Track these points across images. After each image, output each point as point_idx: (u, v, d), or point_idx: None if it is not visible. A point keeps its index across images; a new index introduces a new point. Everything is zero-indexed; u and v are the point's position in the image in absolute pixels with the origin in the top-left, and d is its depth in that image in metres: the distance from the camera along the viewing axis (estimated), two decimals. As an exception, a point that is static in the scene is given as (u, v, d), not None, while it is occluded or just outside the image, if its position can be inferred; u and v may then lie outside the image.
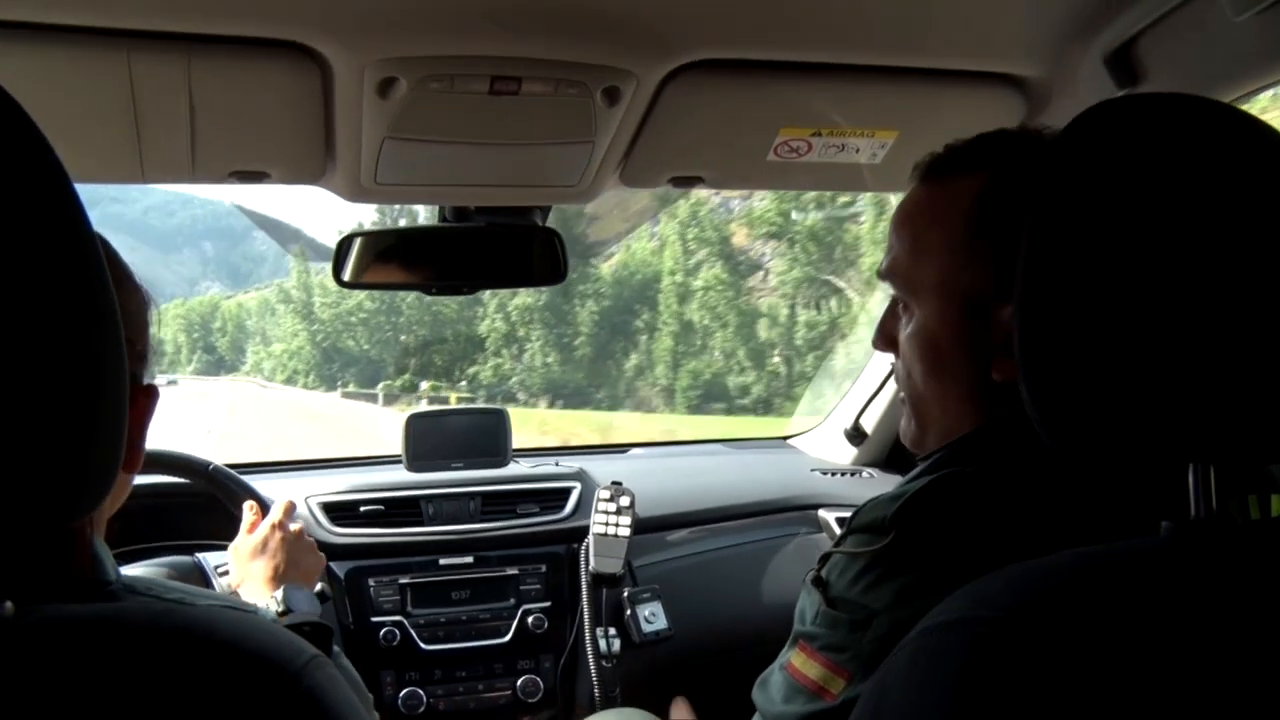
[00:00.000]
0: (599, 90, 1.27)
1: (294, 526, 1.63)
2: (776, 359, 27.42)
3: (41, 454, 0.57)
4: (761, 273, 28.79)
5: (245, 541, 1.61)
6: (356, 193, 1.51)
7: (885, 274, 1.06)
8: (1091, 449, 0.69)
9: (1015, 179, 0.94)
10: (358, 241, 1.67)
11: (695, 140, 1.46)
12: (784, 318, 27.01)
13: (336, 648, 0.95)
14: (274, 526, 1.60)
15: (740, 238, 29.35)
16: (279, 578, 1.54)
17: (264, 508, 1.75)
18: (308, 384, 54.98)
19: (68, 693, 0.56)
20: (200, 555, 1.70)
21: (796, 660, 0.94)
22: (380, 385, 47.44)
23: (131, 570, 1.62)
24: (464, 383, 45.86)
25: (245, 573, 1.56)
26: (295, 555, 1.59)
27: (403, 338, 51.33)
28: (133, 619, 0.63)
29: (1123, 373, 0.65)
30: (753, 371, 27.93)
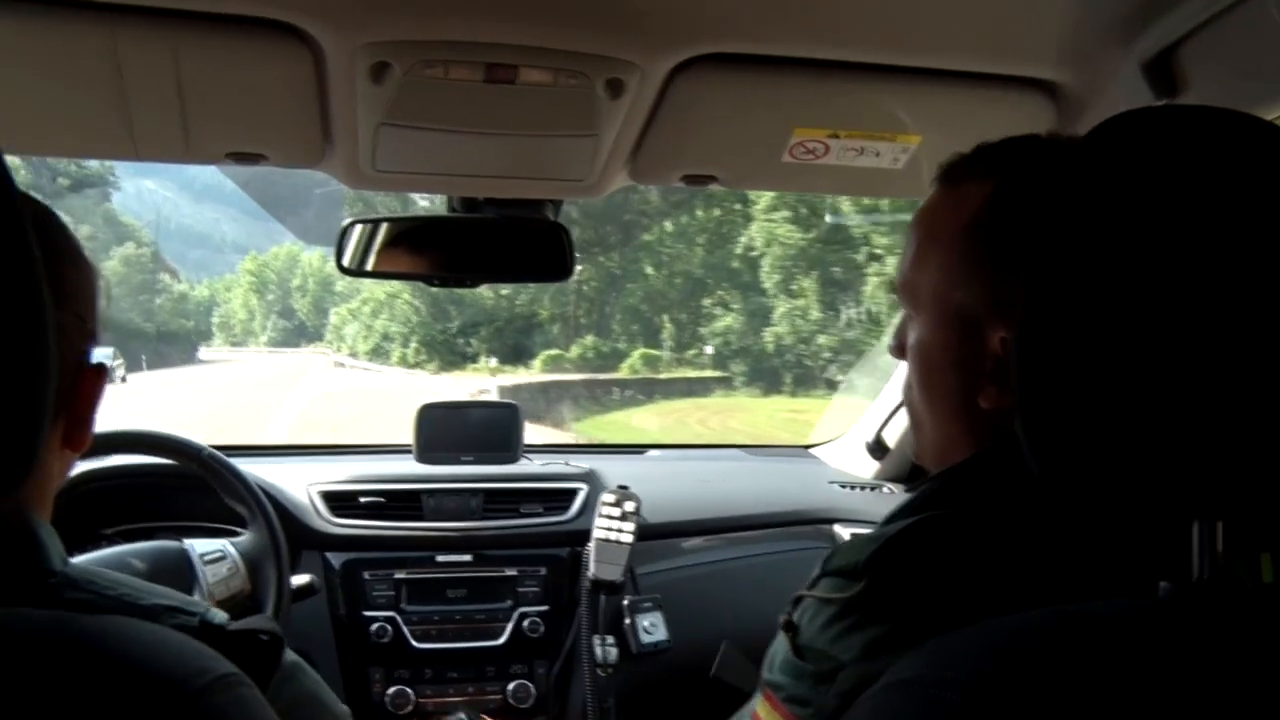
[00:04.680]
0: (601, 81, 1.22)
1: None
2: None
3: None
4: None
5: None
6: (357, 179, 1.48)
7: (897, 284, 1.00)
8: (1086, 495, 0.63)
9: (1024, 190, 0.87)
10: (362, 229, 1.65)
11: (706, 137, 1.41)
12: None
13: (295, 656, 0.90)
14: None
15: None
16: None
17: (255, 497, 1.73)
18: (407, 357, 35.19)
19: None
20: (189, 542, 1.67)
21: (762, 711, 0.88)
22: (539, 358, 29.79)
23: (106, 555, 1.60)
24: (705, 349, 27.98)
25: None
26: None
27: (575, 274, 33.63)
28: (22, 627, 0.59)
29: (1126, 412, 0.60)
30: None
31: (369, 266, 1.67)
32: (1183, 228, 0.60)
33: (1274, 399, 0.58)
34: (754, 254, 25.58)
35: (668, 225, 29.55)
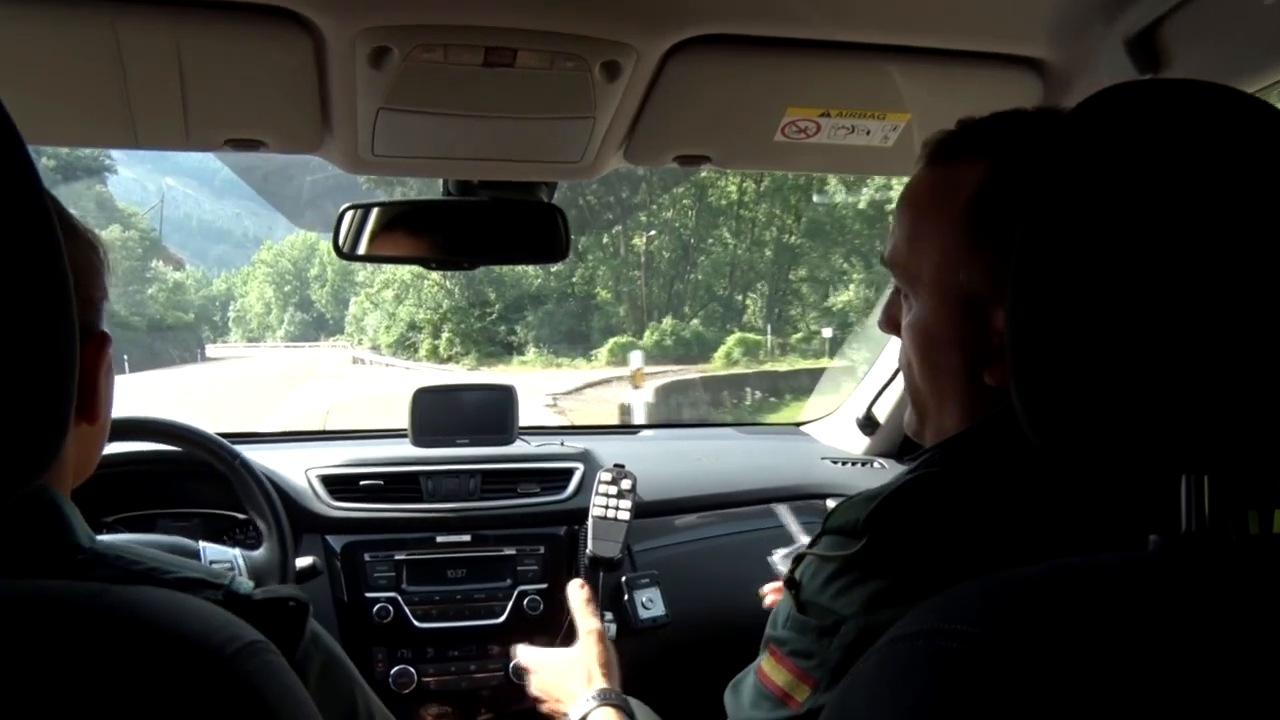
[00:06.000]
0: (597, 64, 1.24)
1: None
2: None
3: None
4: None
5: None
6: (355, 164, 1.49)
7: (886, 261, 1.00)
8: (1079, 454, 0.65)
9: (1022, 168, 0.88)
10: (359, 213, 1.66)
11: (700, 118, 1.42)
12: None
13: (316, 625, 0.92)
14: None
15: None
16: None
17: (276, 515, 1.76)
18: (438, 349, 27.87)
19: None
20: (203, 544, 1.68)
21: (766, 665, 0.91)
22: (605, 347, 23.87)
23: (122, 540, 1.61)
24: (823, 332, 21.17)
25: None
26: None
27: (640, 240, 24.96)
28: (59, 598, 0.61)
29: (1116, 374, 0.62)
30: None
31: (363, 250, 1.68)
32: (1166, 197, 0.62)
33: (1255, 361, 0.60)
34: (889, 208, 17.94)
35: (749, 183, 23.18)
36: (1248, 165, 0.62)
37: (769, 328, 23.50)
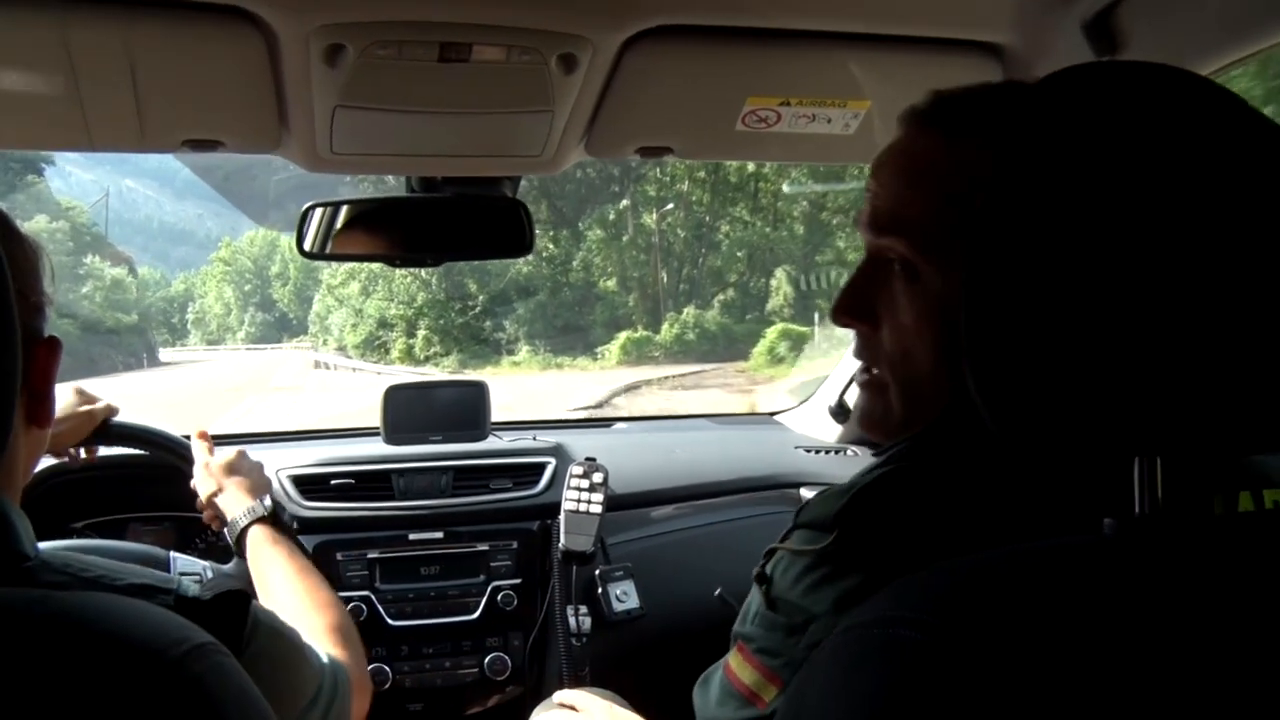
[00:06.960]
0: (554, 57, 1.23)
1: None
2: None
3: None
4: None
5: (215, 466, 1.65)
6: (314, 162, 1.48)
7: (885, 224, 0.88)
8: (1034, 437, 0.65)
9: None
10: (323, 211, 1.65)
11: (660, 109, 1.42)
12: None
13: (263, 611, 0.91)
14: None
15: None
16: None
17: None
18: (413, 349, 24.56)
19: None
20: (174, 555, 1.66)
21: (734, 662, 0.89)
22: (617, 343, 20.71)
23: (91, 545, 1.60)
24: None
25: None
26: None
27: (650, 217, 21.78)
28: (5, 603, 0.60)
29: (1069, 358, 0.62)
30: None
31: (329, 249, 1.67)
32: (1121, 179, 0.62)
33: (1205, 345, 0.61)
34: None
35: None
36: (1200, 147, 0.62)
37: (816, 318, 19.33)
